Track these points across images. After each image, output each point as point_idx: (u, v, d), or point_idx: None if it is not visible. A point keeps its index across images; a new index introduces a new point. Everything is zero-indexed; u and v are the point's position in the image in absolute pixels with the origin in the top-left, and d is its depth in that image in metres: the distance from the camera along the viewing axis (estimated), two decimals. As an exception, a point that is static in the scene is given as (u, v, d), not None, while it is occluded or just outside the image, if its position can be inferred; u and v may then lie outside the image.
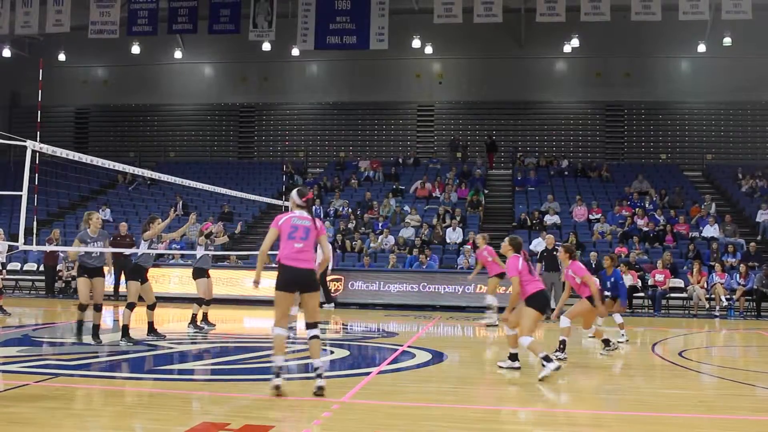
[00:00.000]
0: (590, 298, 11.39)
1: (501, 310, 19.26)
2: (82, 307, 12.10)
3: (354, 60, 33.78)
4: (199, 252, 14.94)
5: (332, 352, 11.52)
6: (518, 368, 10.07)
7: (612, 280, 14.18)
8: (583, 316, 11.72)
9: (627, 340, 13.84)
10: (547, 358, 9.23)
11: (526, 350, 9.82)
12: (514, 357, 10.14)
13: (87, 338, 12.10)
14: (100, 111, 37.81)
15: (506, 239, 10.29)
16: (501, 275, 17.19)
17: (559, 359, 10.81)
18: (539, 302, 9.75)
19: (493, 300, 17.22)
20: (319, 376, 8.14)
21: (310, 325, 8.30)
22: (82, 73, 37.04)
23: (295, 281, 8.19)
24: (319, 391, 8.02)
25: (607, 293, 13.85)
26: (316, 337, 8.27)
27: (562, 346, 11.28)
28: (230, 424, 6.65)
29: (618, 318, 14.01)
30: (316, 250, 8.44)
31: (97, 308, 12.14)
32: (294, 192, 8.66)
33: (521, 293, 9.75)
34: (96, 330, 12.12)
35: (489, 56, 33.64)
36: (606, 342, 11.96)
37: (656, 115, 34.15)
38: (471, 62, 34.51)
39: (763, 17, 27.34)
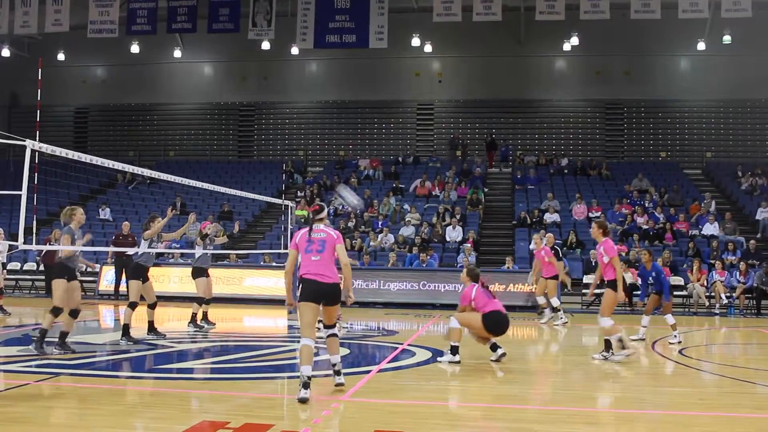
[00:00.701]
0: (612, 283, 10.95)
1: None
2: (57, 312, 10.71)
3: (353, 59, 33.76)
4: (198, 252, 14.95)
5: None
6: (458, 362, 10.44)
7: (653, 274, 13.93)
8: (610, 306, 11.08)
9: (679, 342, 13.41)
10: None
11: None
12: (455, 350, 10.54)
13: (49, 349, 10.74)
14: (99, 110, 37.79)
15: (464, 270, 11.13)
16: (554, 277, 17.55)
17: (606, 357, 10.73)
18: (491, 323, 10.41)
19: (543, 300, 17.73)
20: (338, 372, 8.32)
21: (328, 326, 8.51)
22: (82, 72, 37.03)
23: (319, 293, 8.21)
24: (339, 387, 8.21)
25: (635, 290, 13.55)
26: (334, 335, 8.47)
27: (613, 345, 10.86)
28: (230, 422, 6.65)
29: (670, 319, 13.65)
30: (336, 261, 8.48)
31: (75, 314, 11.01)
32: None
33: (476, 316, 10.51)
34: (64, 337, 10.95)
35: (488, 55, 33.61)
36: (607, 344, 11.12)
37: (656, 113, 34.14)
38: (470, 61, 34.48)
39: (763, 15, 27.30)
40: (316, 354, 8.88)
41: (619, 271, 10.97)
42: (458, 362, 10.43)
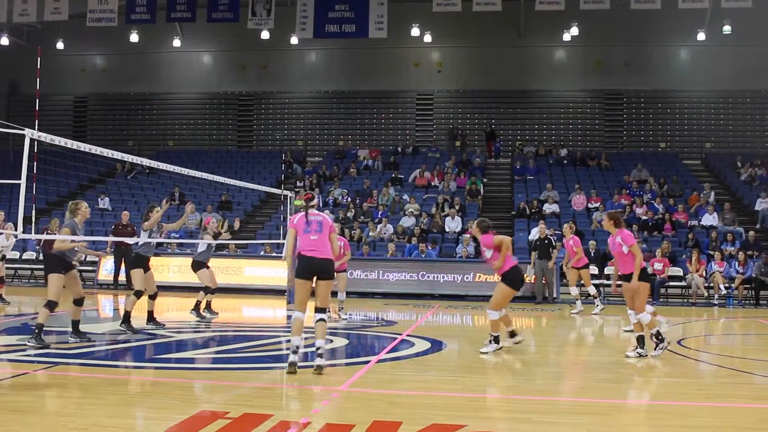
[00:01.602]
0: (628, 277, 10.51)
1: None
2: (52, 306, 10.51)
3: (353, 48, 33.72)
4: (202, 246, 15.02)
5: (331, 341, 11.54)
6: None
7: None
8: (643, 301, 10.59)
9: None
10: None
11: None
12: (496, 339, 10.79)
13: (49, 340, 10.80)
14: (98, 99, 37.74)
15: (475, 223, 11.38)
16: (586, 266, 17.72)
17: (642, 354, 10.39)
18: (517, 278, 11.23)
19: (576, 291, 17.78)
20: (320, 355, 8.62)
21: (318, 310, 8.80)
22: (81, 61, 36.95)
23: (312, 269, 8.69)
24: (318, 370, 8.47)
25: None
26: (322, 320, 8.80)
27: (658, 339, 10.51)
28: (230, 412, 6.66)
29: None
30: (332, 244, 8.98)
31: (80, 302, 11.08)
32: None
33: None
34: (76, 325, 11.15)
35: (488, 45, 33.55)
36: (646, 339, 10.56)
37: (655, 103, 34.13)
38: (470, 51, 34.42)
39: (763, 5, 27.25)
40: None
41: (639, 258, 10.50)
42: (500, 348, 10.81)
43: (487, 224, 11.12)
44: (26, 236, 11.79)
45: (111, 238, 20.10)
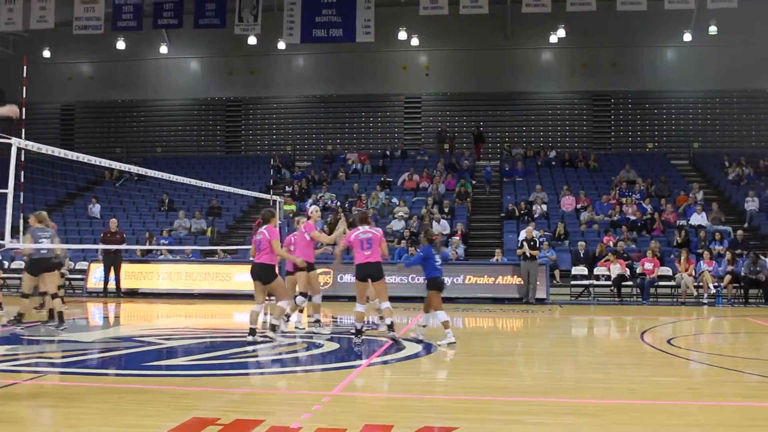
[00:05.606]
0: None
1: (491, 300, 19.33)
2: (26, 297, 13.59)
3: (340, 53, 33.74)
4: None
5: (322, 345, 11.52)
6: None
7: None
8: None
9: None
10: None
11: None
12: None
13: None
14: (86, 107, 37.65)
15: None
16: None
17: None
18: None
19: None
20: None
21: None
22: (67, 69, 36.85)
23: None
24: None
25: None
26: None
27: None
28: (220, 419, 6.63)
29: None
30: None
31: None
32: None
33: None
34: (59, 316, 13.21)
35: (475, 47, 33.63)
36: None
37: (643, 104, 34.26)
38: (457, 54, 34.48)
39: (748, 5, 27.42)
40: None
41: None
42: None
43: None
44: (13, 245, 11.74)
45: (100, 246, 20.07)
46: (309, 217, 13.46)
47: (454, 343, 11.39)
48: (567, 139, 34.75)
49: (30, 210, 26.16)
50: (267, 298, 12.53)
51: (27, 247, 12.79)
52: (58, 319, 13.13)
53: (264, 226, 11.82)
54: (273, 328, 11.99)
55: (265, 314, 13.59)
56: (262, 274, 11.66)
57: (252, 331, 11.63)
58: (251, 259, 12.07)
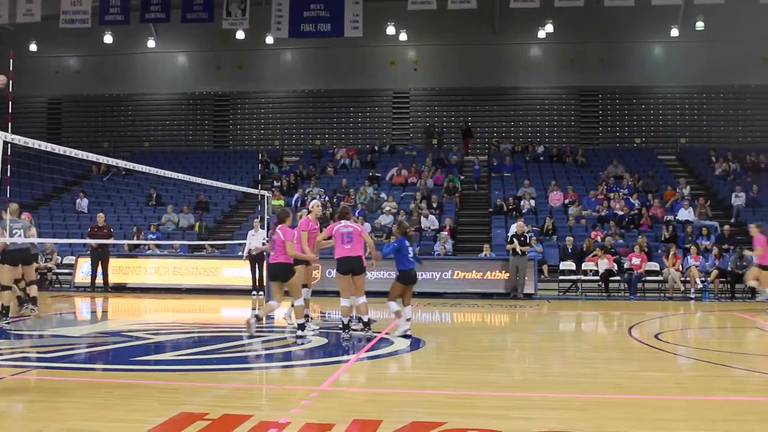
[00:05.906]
0: None
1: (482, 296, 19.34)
2: (4, 289, 13.29)
3: (329, 48, 33.71)
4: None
5: (310, 341, 11.52)
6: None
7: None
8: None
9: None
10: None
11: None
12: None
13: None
14: (73, 101, 37.49)
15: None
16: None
17: None
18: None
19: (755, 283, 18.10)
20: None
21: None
22: (54, 63, 36.69)
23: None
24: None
25: None
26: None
27: None
28: (209, 413, 6.63)
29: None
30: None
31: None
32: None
33: None
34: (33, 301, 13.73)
35: (463, 43, 33.66)
36: None
37: (630, 99, 34.37)
38: (446, 49, 34.51)
39: (735, 1, 27.49)
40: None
41: None
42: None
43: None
44: None
45: (89, 241, 19.99)
46: (309, 212, 13.42)
47: (409, 336, 11.86)
48: (555, 134, 34.82)
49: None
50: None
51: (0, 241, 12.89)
52: (4, 313, 13.36)
53: (279, 226, 11.76)
54: (301, 327, 11.74)
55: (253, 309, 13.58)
56: (280, 272, 11.72)
57: (301, 326, 11.77)
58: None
